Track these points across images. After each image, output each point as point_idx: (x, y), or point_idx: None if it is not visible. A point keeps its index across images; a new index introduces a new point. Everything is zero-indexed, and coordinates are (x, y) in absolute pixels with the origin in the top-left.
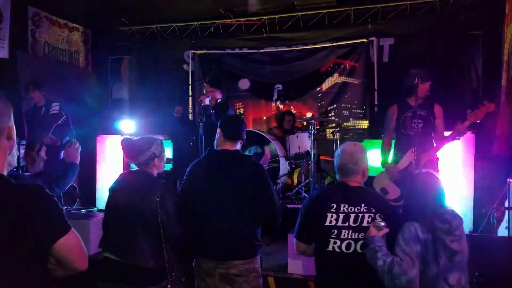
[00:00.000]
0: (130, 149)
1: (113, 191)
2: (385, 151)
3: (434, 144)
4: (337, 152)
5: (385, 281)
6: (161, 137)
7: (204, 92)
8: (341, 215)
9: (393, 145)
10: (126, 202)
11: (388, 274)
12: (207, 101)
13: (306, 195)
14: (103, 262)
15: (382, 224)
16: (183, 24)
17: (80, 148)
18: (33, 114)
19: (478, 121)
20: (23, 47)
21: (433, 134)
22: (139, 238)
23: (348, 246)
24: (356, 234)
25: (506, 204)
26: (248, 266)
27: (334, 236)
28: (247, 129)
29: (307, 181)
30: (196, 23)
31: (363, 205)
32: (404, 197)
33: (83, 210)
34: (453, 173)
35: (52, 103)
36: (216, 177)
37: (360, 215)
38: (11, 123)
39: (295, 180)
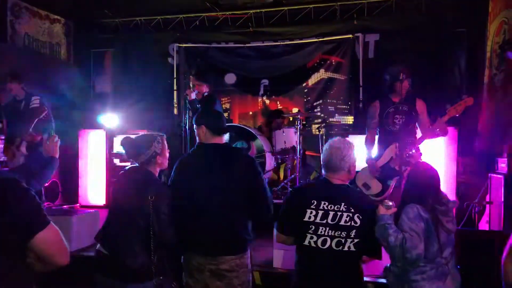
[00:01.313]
0: (131, 148)
1: (113, 187)
2: (368, 147)
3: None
4: (325, 147)
5: (395, 255)
6: (144, 131)
7: (191, 85)
8: (320, 212)
9: (376, 141)
10: (121, 199)
11: (400, 249)
12: (193, 95)
13: None
14: (96, 254)
15: (390, 203)
16: (167, 16)
17: (59, 142)
18: (13, 108)
19: (457, 116)
20: (2, 38)
21: (419, 129)
22: (129, 236)
23: (324, 242)
24: (333, 231)
25: (487, 199)
26: (239, 261)
27: (311, 232)
28: (234, 124)
29: (293, 176)
30: (181, 15)
31: (343, 204)
32: (406, 182)
33: (65, 206)
34: (436, 168)
35: (32, 96)
36: (207, 172)
37: (339, 213)
38: None
39: (281, 175)
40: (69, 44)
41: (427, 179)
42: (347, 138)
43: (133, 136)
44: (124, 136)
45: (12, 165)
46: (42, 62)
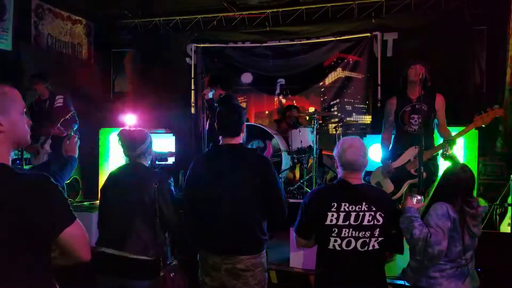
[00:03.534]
0: (131, 140)
1: (107, 188)
2: (384, 145)
3: (434, 142)
4: (343, 146)
5: (417, 249)
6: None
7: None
8: (342, 214)
9: (392, 140)
10: (124, 195)
11: (423, 242)
12: (210, 95)
13: (308, 190)
14: (98, 256)
15: (420, 197)
16: (186, 17)
17: (78, 142)
18: (38, 107)
19: (484, 126)
20: (27, 39)
21: (434, 127)
22: (137, 229)
23: (348, 244)
24: (357, 232)
25: (509, 201)
26: (255, 260)
27: (335, 235)
28: (250, 123)
29: (309, 176)
30: (199, 16)
31: (364, 203)
32: (440, 179)
33: (85, 203)
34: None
35: (56, 95)
36: (222, 172)
37: (361, 214)
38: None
39: (297, 175)
40: (90, 44)
41: (461, 179)
42: (363, 138)
43: (126, 133)
44: (119, 131)
45: (36, 162)
46: (65, 62)
